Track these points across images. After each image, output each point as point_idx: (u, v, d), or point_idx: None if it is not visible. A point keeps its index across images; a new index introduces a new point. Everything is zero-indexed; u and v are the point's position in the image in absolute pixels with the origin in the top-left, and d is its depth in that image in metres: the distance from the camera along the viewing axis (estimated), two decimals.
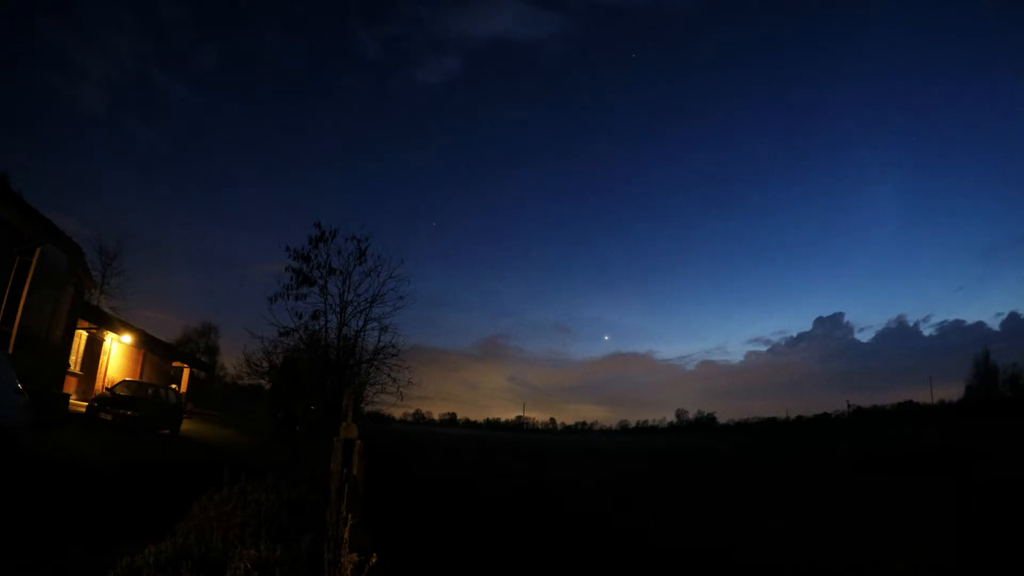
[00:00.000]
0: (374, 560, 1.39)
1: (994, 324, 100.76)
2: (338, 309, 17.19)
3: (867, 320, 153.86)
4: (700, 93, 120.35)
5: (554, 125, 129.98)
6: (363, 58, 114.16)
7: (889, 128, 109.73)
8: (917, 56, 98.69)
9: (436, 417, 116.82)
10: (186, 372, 30.08)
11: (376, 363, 17.73)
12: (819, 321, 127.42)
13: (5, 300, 12.05)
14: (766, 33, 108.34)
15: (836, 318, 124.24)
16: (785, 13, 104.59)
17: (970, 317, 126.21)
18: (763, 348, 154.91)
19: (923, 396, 72.14)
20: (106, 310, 23.91)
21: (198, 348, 46.44)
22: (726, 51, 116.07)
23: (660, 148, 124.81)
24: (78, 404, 15.76)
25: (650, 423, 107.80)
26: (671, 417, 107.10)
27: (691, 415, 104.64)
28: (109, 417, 14.00)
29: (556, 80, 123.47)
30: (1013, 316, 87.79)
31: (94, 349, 19.97)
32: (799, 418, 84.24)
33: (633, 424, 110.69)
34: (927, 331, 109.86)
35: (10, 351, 11.41)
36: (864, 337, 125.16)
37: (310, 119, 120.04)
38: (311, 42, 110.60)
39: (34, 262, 12.69)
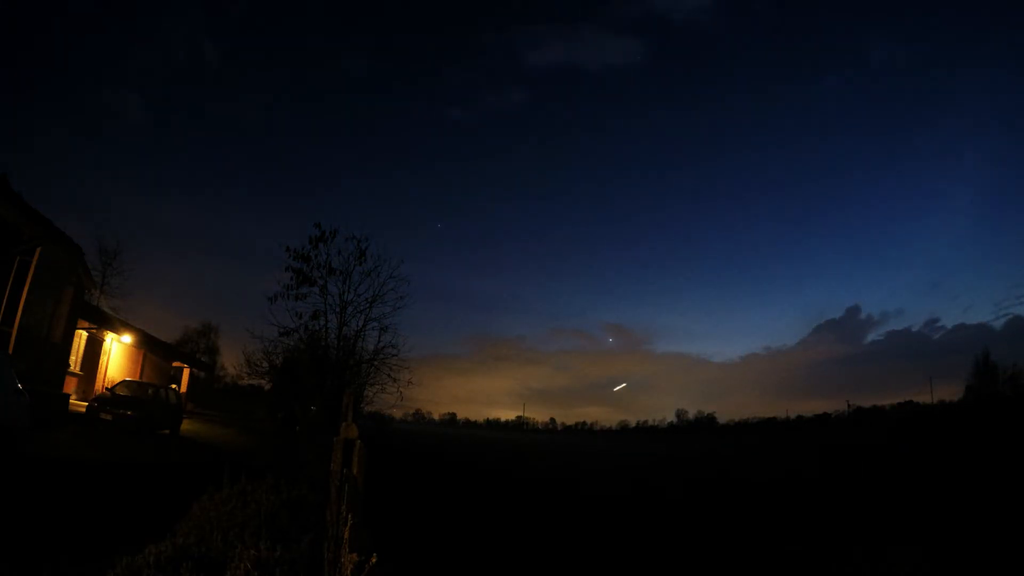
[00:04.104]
0: (374, 560, 1.39)
1: (996, 325, 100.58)
2: (338, 309, 17.19)
3: (871, 321, 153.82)
4: (721, 97, 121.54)
5: (573, 134, 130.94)
6: (417, 76, 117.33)
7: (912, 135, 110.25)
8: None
9: (436, 417, 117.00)
10: (186, 372, 30.06)
11: (376, 363, 17.75)
12: (822, 323, 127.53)
13: (5, 300, 12.05)
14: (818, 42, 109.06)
15: (840, 320, 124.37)
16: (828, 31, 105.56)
17: (972, 318, 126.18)
18: (762, 349, 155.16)
19: (925, 396, 72.14)
20: (106, 310, 23.90)
21: (198, 348, 46.53)
22: (774, 63, 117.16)
23: (672, 153, 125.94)
24: (78, 404, 15.77)
25: (650, 423, 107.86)
26: (671, 417, 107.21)
27: (691, 415, 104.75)
28: (109, 417, 14.00)
29: (581, 93, 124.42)
30: (1015, 318, 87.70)
31: (94, 349, 19.96)
32: (799, 418, 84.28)
33: (633, 424, 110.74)
34: (932, 333, 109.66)
35: (10, 351, 11.41)
36: (867, 338, 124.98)
37: (340, 129, 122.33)
38: (365, 58, 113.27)
39: (34, 262, 12.70)
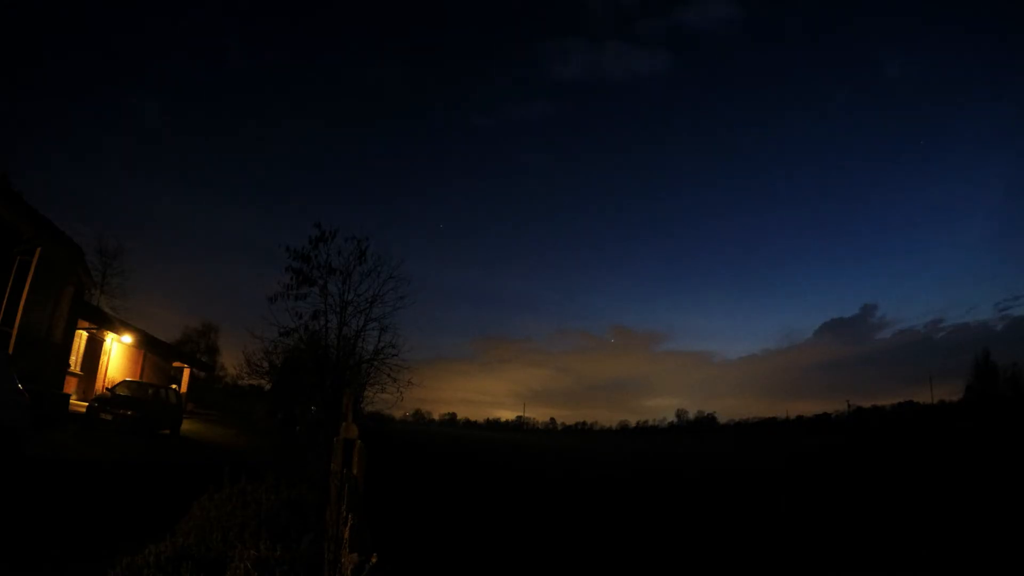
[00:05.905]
0: (374, 560, 1.39)
1: (998, 325, 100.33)
2: (338, 309, 17.17)
3: (874, 323, 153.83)
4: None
5: (592, 142, 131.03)
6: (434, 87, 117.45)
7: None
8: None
9: (436, 417, 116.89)
10: (186, 372, 30.03)
11: (376, 363, 17.74)
12: (824, 324, 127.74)
13: (5, 300, 12.04)
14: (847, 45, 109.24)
15: (844, 321, 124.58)
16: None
17: (974, 319, 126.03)
18: (761, 350, 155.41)
19: (925, 396, 72.09)
20: (106, 310, 23.91)
21: (198, 348, 46.43)
22: (792, 74, 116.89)
23: (689, 160, 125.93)
24: (78, 404, 15.76)
25: (650, 423, 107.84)
26: (671, 417, 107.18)
27: (691, 415, 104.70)
28: (109, 417, 14.00)
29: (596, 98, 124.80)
30: (1016, 319, 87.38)
31: (94, 349, 19.96)
32: (799, 418, 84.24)
33: (633, 424, 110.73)
34: (934, 333, 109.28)
35: (10, 351, 11.41)
36: (870, 339, 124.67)
37: (353, 132, 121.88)
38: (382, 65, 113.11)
39: (34, 262, 12.68)
